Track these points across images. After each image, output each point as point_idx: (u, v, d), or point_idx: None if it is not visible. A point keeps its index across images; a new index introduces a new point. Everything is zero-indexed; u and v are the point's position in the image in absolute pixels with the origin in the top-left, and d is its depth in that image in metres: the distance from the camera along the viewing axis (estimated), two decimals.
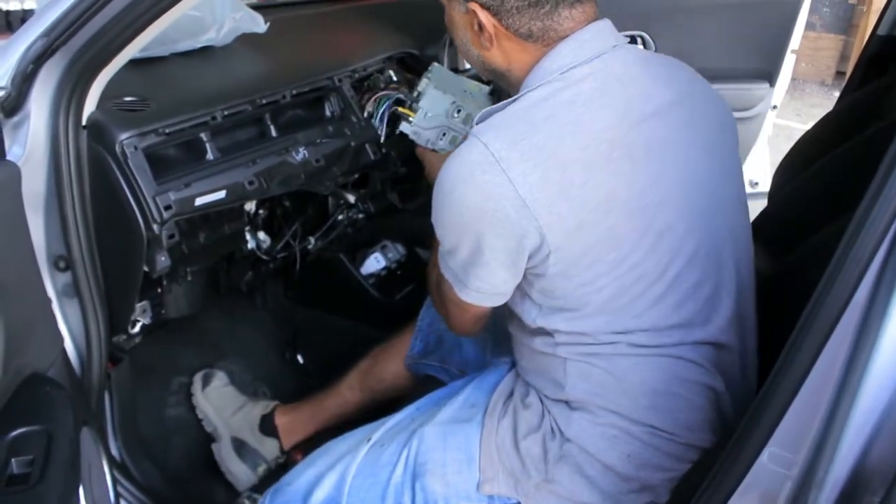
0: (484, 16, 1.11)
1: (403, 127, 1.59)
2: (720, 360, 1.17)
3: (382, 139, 1.71)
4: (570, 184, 1.05)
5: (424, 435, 1.29)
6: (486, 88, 1.68)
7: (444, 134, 1.60)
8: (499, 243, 1.07)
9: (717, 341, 1.16)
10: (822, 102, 6.53)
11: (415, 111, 1.58)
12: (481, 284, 1.14)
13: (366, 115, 1.71)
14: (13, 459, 0.97)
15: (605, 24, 1.15)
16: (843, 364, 0.82)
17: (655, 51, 2.77)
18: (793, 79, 6.63)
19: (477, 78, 1.79)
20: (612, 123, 1.08)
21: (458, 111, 1.60)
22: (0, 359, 0.97)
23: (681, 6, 2.81)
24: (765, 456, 0.87)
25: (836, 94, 6.58)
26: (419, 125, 1.58)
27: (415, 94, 1.62)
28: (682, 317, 1.13)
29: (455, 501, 1.23)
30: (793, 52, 2.95)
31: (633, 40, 2.85)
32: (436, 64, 1.68)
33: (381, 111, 1.69)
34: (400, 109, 1.64)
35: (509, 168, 1.03)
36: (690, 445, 1.16)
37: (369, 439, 1.35)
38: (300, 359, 2.24)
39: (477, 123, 1.12)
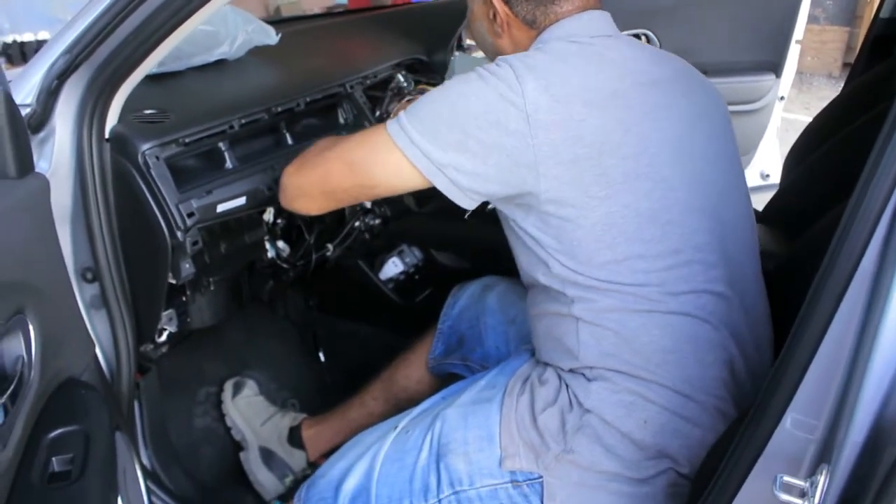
0: (498, 3, 1.28)
1: None
2: (724, 314, 1.21)
3: None
4: (570, 117, 1.14)
5: (447, 417, 1.31)
6: None
7: None
8: (486, 140, 1.14)
9: (717, 291, 1.20)
10: (831, 95, 6.48)
11: None
12: (449, 164, 1.15)
13: (379, 113, 1.74)
14: (53, 458, 1.00)
15: (604, 15, 1.30)
16: (856, 327, 0.83)
17: (660, 48, 2.80)
18: (800, 72, 6.64)
19: None
20: (615, 77, 1.20)
21: None
22: (38, 361, 1.00)
23: (683, 2, 2.84)
24: (787, 422, 0.89)
25: None
26: None
27: None
28: (680, 260, 1.18)
29: (479, 478, 1.25)
30: (797, 42, 2.97)
31: (637, 38, 2.89)
32: (458, 53, 1.70)
33: None
34: None
35: (524, 83, 1.13)
36: (705, 407, 1.18)
37: (396, 427, 1.38)
38: (321, 356, 2.26)
39: None
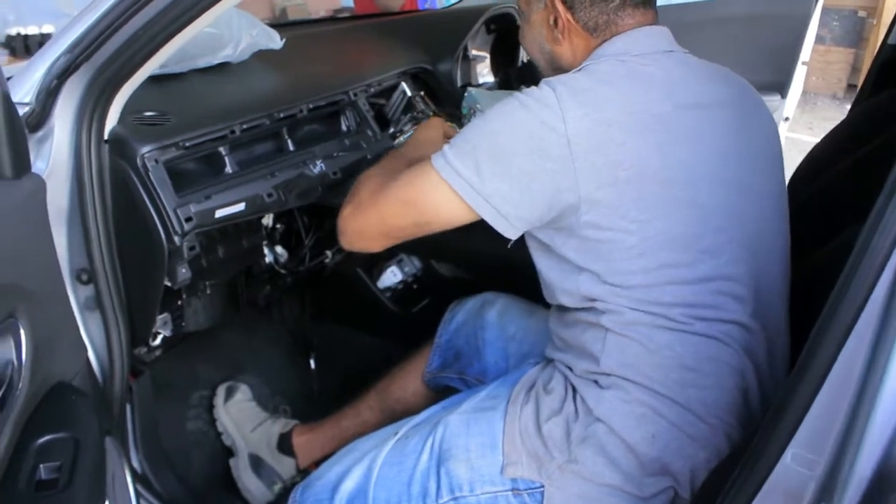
0: (561, 8, 1.27)
1: None
2: (748, 344, 1.20)
3: None
4: (611, 140, 1.13)
5: (449, 423, 1.31)
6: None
7: None
8: (529, 168, 1.14)
9: (744, 323, 1.19)
10: (835, 115, 6.52)
11: None
12: (494, 193, 1.16)
13: (393, 131, 1.73)
14: (41, 465, 0.98)
15: (662, 30, 1.28)
16: (864, 362, 0.81)
17: None
18: (804, 92, 6.65)
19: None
20: (657, 100, 1.18)
21: None
22: (28, 366, 0.98)
23: (691, 21, 2.83)
24: (788, 457, 0.87)
25: (848, 106, 6.57)
26: None
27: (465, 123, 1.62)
28: (710, 289, 1.17)
29: (479, 485, 1.24)
30: (803, 63, 2.96)
31: None
32: (472, 89, 1.68)
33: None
34: None
35: (565, 109, 1.13)
36: (714, 430, 1.17)
37: (396, 434, 1.38)
38: (312, 363, 2.24)
39: None
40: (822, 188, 1.77)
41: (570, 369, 1.26)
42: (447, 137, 1.57)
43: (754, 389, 1.21)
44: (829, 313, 0.84)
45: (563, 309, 1.28)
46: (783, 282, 1.30)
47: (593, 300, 1.19)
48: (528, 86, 1.96)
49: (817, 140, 2.13)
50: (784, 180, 1.34)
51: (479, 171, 1.15)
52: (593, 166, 1.12)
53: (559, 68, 1.33)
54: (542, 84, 1.18)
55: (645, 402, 1.17)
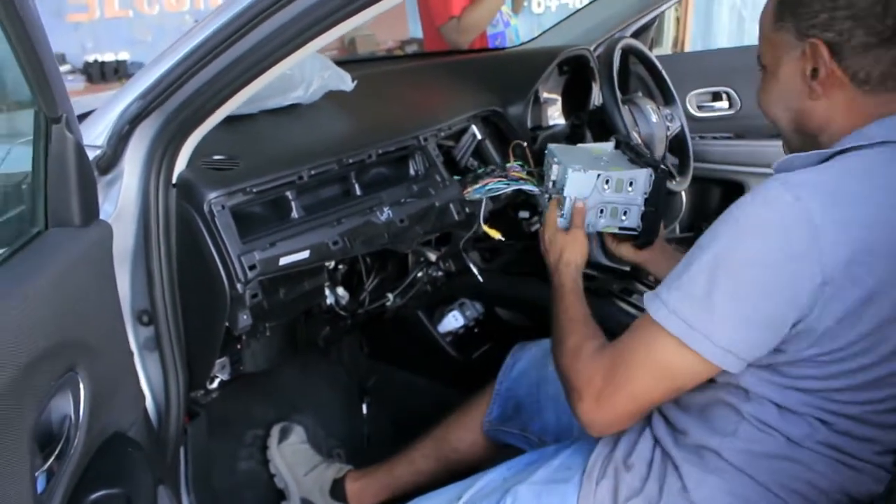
0: (826, 56, 1.03)
1: (561, 223, 1.49)
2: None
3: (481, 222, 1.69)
4: (870, 273, 0.95)
5: (518, 494, 1.24)
6: (609, 145, 1.63)
7: (601, 211, 1.51)
8: (777, 313, 0.97)
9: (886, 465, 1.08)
10: None
11: (558, 201, 1.51)
12: (735, 338, 0.98)
13: (462, 179, 1.70)
14: None
15: None
16: None
17: (741, 106, 2.70)
18: None
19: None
20: None
21: (607, 182, 1.49)
22: (86, 420, 0.96)
23: (751, 65, 2.75)
24: None
25: None
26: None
27: (549, 184, 1.56)
28: (888, 439, 1.06)
29: None
30: None
31: (717, 96, 2.80)
32: (551, 145, 1.60)
33: (483, 195, 1.67)
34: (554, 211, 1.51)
35: (823, 236, 0.94)
36: None
37: (460, 499, 1.32)
38: (364, 408, 2.21)
39: (777, 171, 1.06)
40: None
41: (674, 433, 1.15)
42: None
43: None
44: None
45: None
46: None
47: (753, 393, 1.06)
48: (599, 131, 1.93)
49: None
50: None
51: (713, 318, 0.98)
52: (842, 301, 0.95)
53: (803, 129, 1.12)
54: (780, 186, 0.97)
55: (747, 498, 1.07)
